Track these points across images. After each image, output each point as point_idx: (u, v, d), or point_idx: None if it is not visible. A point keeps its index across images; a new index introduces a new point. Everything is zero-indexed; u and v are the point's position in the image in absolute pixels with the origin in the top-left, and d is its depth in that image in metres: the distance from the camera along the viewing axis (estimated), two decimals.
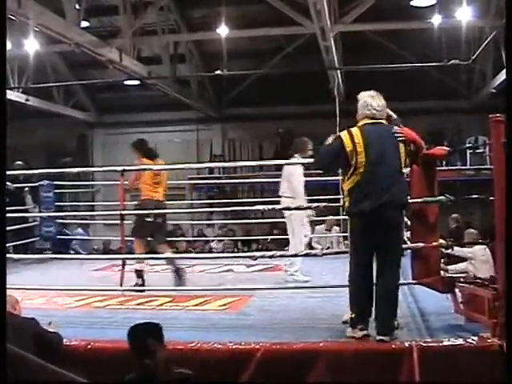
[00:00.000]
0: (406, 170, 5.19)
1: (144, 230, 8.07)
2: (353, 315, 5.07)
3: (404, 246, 5.90)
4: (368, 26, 14.20)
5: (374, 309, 5.07)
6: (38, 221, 12.05)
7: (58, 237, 12.48)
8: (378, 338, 4.91)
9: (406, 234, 6.21)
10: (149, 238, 8.32)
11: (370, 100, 5.21)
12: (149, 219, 7.97)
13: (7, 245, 8.90)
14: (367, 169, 4.97)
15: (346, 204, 5.17)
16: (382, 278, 5.04)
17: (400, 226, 5.19)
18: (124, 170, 7.41)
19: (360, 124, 5.19)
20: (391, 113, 5.40)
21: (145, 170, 8.10)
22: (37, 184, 11.95)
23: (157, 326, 4.28)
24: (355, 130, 5.11)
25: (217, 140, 20.15)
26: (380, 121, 5.18)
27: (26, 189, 11.97)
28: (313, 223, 10.64)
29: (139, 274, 8.00)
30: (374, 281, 5.09)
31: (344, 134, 5.11)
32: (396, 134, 5.08)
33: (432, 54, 13.48)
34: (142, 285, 7.93)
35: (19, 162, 12.12)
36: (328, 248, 11.68)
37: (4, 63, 3.41)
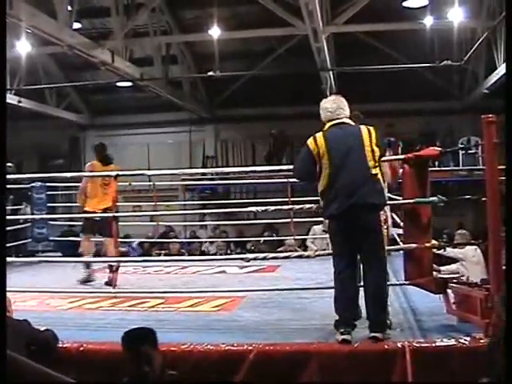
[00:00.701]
0: (377, 171, 5.10)
1: (90, 227, 8.56)
2: (336, 317, 5.08)
3: (396, 246, 5.92)
4: (360, 27, 14.24)
5: (363, 309, 5.10)
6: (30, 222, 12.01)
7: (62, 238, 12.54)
8: (372, 334, 4.93)
9: (397, 231, 6.20)
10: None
11: (326, 104, 5.32)
12: (97, 218, 8.31)
13: None
14: (332, 171, 5.03)
15: (323, 207, 5.23)
16: (369, 278, 5.06)
17: (376, 227, 5.14)
18: (118, 175, 7.53)
19: (325, 128, 5.28)
20: None
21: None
22: (29, 186, 11.90)
23: (151, 331, 4.27)
24: (319, 134, 5.21)
25: (209, 141, 20.13)
26: (342, 121, 5.24)
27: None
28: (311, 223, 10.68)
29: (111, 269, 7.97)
30: (362, 282, 5.12)
31: (310, 141, 5.21)
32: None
33: (424, 55, 13.49)
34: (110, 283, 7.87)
35: (10, 164, 12.07)
36: (324, 250, 11.65)
37: (4, 66, 3.40)
